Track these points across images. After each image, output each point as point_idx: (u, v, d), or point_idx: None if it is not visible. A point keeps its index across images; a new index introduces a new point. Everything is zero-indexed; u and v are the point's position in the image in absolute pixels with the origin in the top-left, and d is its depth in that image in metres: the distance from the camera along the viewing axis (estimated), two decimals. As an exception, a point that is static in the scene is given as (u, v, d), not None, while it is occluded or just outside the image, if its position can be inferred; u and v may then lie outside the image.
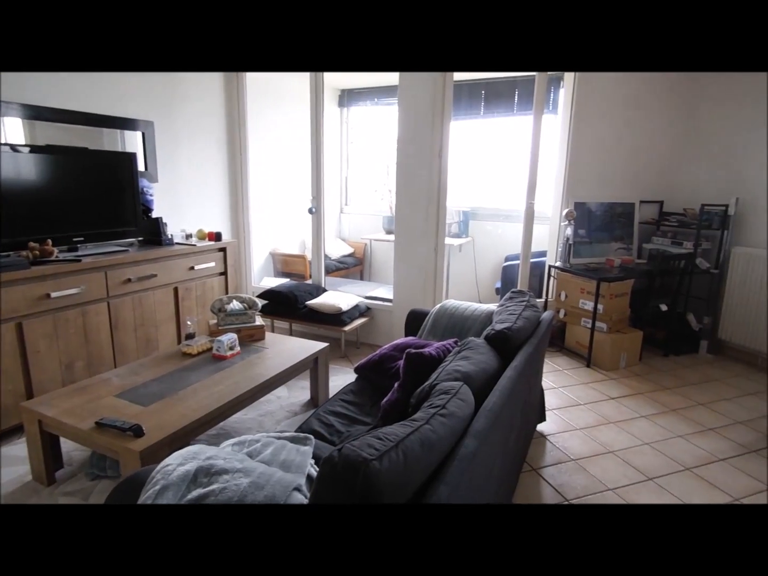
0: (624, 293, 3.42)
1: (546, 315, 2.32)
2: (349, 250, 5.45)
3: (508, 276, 4.19)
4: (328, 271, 4.91)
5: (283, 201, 4.80)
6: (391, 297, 3.69)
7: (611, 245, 3.87)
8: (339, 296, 3.63)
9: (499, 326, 1.94)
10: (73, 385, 2.12)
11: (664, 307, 3.59)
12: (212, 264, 3.35)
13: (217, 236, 3.41)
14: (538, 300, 3.88)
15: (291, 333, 3.97)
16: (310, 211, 3.85)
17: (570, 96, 3.65)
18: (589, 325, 3.43)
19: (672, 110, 3.90)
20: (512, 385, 1.56)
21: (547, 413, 2.73)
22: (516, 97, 4.58)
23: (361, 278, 5.50)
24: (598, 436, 2.51)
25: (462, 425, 1.22)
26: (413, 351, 1.79)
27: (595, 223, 3.83)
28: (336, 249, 5.36)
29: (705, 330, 3.74)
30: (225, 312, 2.72)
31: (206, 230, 3.45)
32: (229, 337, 2.50)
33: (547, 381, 3.18)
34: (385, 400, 1.88)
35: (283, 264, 4.81)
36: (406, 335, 2.71)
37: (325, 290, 3.85)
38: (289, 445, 1.48)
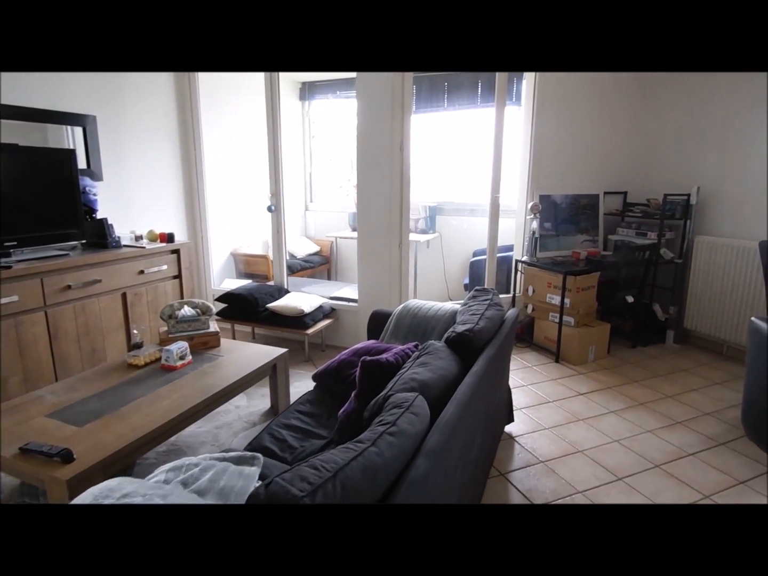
0: (591, 286, 3.39)
1: (510, 313, 2.24)
2: (314, 249, 5.30)
3: (475, 271, 4.12)
4: (293, 271, 4.75)
5: (244, 199, 4.61)
6: (356, 297, 3.57)
7: (577, 237, 3.84)
8: (302, 298, 3.48)
9: (460, 328, 1.84)
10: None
11: (630, 299, 3.57)
12: (164, 267, 3.16)
13: (169, 237, 3.22)
14: (506, 296, 3.84)
15: (253, 337, 3.81)
16: (269, 209, 3.69)
17: (532, 88, 3.59)
18: (557, 320, 3.38)
19: (633, 101, 3.88)
20: (472, 392, 1.46)
21: (516, 413, 2.66)
22: (479, 88, 4.50)
23: (328, 277, 5.36)
24: (568, 435, 2.46)
25: (414, 443, 1.11)
26: (369, 359, 1.68)
27: (561, 215, 3.79)
28: (301, 247, 5.21)
29: (671, 320, 3.75)
30: (176, 318, 2.56)
31: (158, 231, 3.26)
32: (180, 346, 2.34)
33: (515, 379, 3.12)
34: (342, 410, 1.77)
35: (245, 265, 4.63)
36: (369, 338, 2.59)
37: (287, 291, 3.70)
38: (232, 468, 1.35)
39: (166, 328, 2.58)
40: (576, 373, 3.22)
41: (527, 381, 3.10)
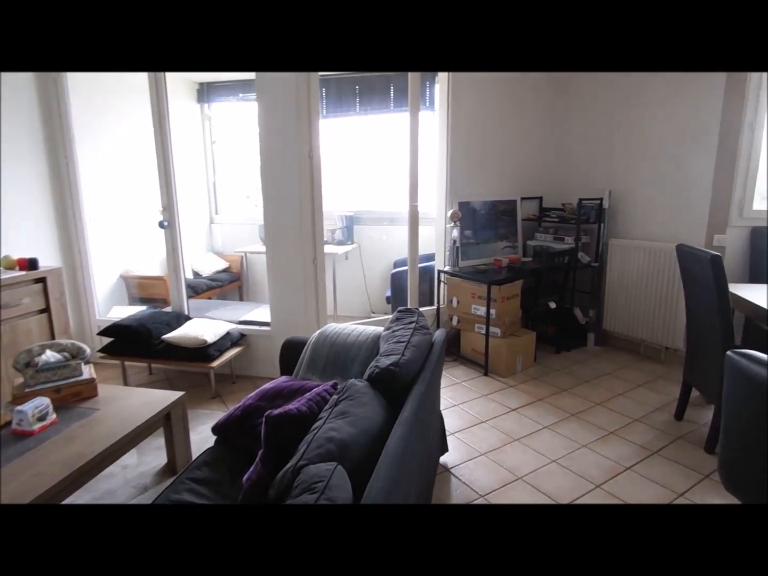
0: (515, 294, 3.30)
1: (438, 336, 2.02)
2: (222, 265, 4.83)
3: (397, 283, 3.91)
4: (198, 292, 4.26)
5: (135, 214, 4.05)
6: (269, 320, 3.20)
7: (497, 244, 3.76)
8: (205, 325, 3.05)
9: (384, 361, 1.58)
10: None
11: (553, 305, 3.54)
12: (26, 300, 2.60)
13: (31, 264, 2.66)
14: (430, 308, 3.65)
15: (150, 373, 3.31)
16: (161, 225, 3.21)
17: (445, 92, 3.45)
18: (484, 331, 3.25)
19: (546, 105, 3.89)
20: (402, 449, 1.20)
21: (449, 438, 2.45)
22: (392, 92, 4.32)
23: (240, 297, 4.90)
24: (505, 460, 2.28)
25: (330, 551, 0.82)
26: (275, 413, 1.36)
27: (480, 222, 3.69)
28: (207, 265, 4.71)
29: (591, 323, 3.77)
30: (35, 367, 2.06)
31: (16, 257, 2.69)
32: (38, 404, 1.86)
33: (445, 399, 2.92)
34: (246, 476, 1.43)
35: (139, 288, 4.07)
36: (282, 372, 2.26)
37: (188, 318, 3.25)
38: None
39: (22, 380, 2.07)
40: (506, 386, 3.10)
41: (458, 400, 2.92)
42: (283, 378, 2.01)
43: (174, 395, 2.15)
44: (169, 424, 2.15)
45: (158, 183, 3.20)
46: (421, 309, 3.66)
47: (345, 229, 4.49)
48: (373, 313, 4.66)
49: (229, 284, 4.70)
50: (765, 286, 2.61)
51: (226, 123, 4.99)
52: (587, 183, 3.79)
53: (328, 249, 4.30)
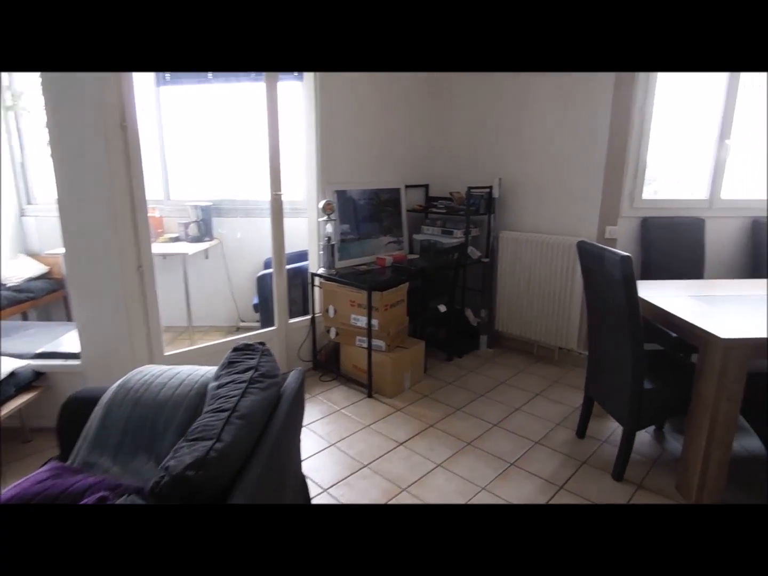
0: (400, 300, 2.82)
1: (291, 381, 1.43)
2: (39, 270, 3.76)
3: (265, 288, 3.24)
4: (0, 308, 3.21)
5: None
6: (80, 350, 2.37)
7: (381, 239, 3.26)
8: (-26, 365, 2.14)
9: (182, 459, 0.96)
10: None
11: (443, 308, 3.13)
12: None
13: None
14: (303, 318, 3.04)
15: None
16: None
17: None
18: (366, 345, 2.74)
19: (430, 85, 3.44)
20: None
21: (322, 495, 1.91)
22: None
23: (67, 312, 3.86)
24: (390, 526, 1.78)
25: None
26: None
27: (361, 214, 3.16)
28: (17, 270, 3.62)
29: (483, 324, 3.45)
30: None
31: None
32: None
33: (318, 437, 2.36)
34: None
35: None
36: (62, 450, 1.51)
37: (-47, 355, 2.29)
38: None
39: None
40: (393, 410, 2.62)
41: (335, 436, 2.37)
42: (47, 467, 1.29)
43: None
44: None
45: None
46: (294, 320, 3.07)
47: (201, 223, 3.69)
48: (243, 321, 3.95)
49: (46, 295, 3.66)
50: (659, 282, 2.41)
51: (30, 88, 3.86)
52: (476, 170, 3.43)
53: (176, 248, 3.51)
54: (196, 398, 1.46)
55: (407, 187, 3.43)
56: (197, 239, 3.70)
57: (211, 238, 3.76)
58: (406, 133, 3.41)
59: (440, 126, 3.57)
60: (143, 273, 2.31)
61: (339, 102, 2.96)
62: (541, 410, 2.61)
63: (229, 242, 3.87)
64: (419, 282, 3.10)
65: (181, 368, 1.61)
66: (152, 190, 3.67)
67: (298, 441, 1.52)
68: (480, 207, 3.23)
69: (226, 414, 1.12)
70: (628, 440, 1.97)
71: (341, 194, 3.04)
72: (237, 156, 3.84)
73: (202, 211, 3.69)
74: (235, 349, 1.45)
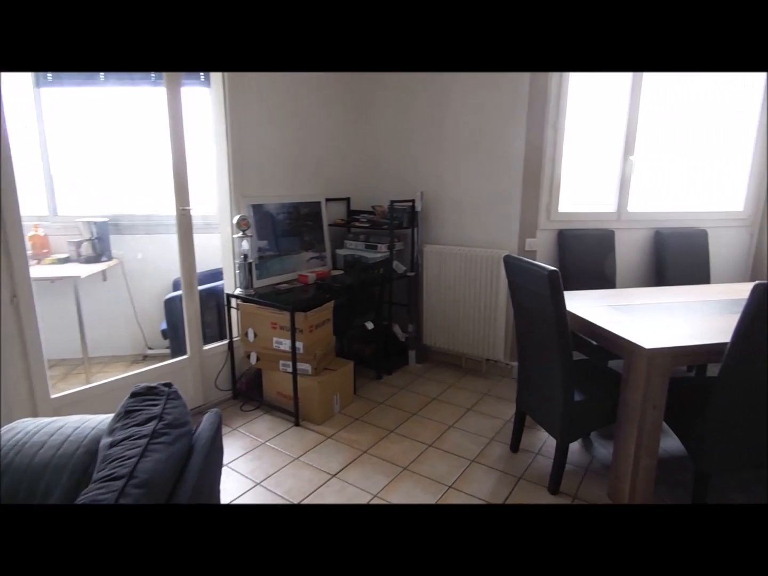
0: (326, 320, 2.67)
1: (205, 428, 1.23)
2: None
3: (174, 312, 2.93)
4: None
5: None
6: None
7: (302, 255, 3.09)
8: None
9: None
10: None
11: (370, 326, 3.02)
12: None
13: None
14: (219, 344, 2.77)
15: None
16: None
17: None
18: (290, 369, 2.55)
19: (353, 95, 3.34)
20: None
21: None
22: (150, 58, 3.27)
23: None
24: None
25: None
26: None
27: (280, 228, 2.97)
28: None
29: (411, 339, 3.38)
30: None
31: None
32: None
33: (239, 476, 2.13)
34: None
35: None
36: None
37: None
38: None
39: None
40: (323, 438, 2.45)
41: (260, 473, 2.15)
42: None
43: None
44: None
45: None
46: (209, 346, 2.79)
47: (96, 241, 3.28)
48: (151, 349, 3.57)
49: None
50: (578, 292, 2.47)
51: None
52: (398, 184, 3.38)
53: (65, 270, 3.09)
54: (85, 458, 1.21)
55: (328, 200, 3.30)
56: (92, 259, 3.28)
57: (110, 258, 3.36)
58: (325, 145, 3.28)
59: (361, 138, 3.49)
60: (19, 304, 1.95)
61: (252, 111, 2.77)
62: (474, 426, 2.57)
63: (130, 262, 3.48)
64: (345, 299, 2.96)
65: (66, 420, 1.34)
66: (33, 205, 3.21)
67: (217, 497, 1.31)
68: (403, 221, 3.18)
69: (120, 483, 0.90)
70: (561, 453, 1.97)
71: (258, 208, 2.84)
72: (137, 167, 3.48)
73: (96, 227, 3.29)
74: (134, 395, 1.22)
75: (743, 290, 2.50)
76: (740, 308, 2.14)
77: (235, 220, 2.58)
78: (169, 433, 1.10)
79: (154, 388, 1.25)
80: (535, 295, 1.89)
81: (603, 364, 2.29)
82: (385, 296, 3.17)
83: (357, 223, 3.30)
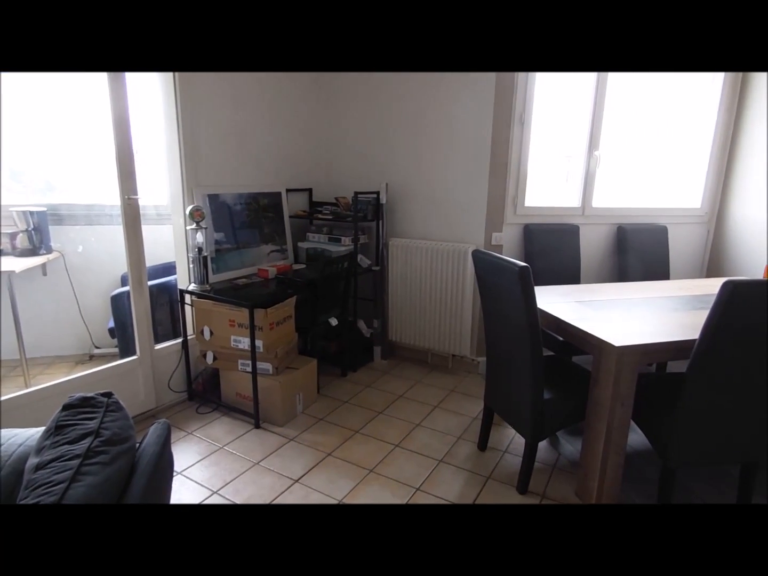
0: (287, 317, 2.54)
1: (150, 442, 1.10)
2: None
3: (122, 309, 2.73)
4: None
5: None
6: None
7: (262, 249, 2.95)
8: None
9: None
10: None
11: (334, 322, 2.91)
12: None
13: None
14: (173, 342, 2.59)
15: None
16: None
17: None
18: (250, 369, 2.41)
19: (316, 84, 3.20)
20: None
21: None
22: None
23: None
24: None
25: None
26: None
27: (238, 220, 2.81)
28: None
29: (376, 334, 3.30)
30: None
31: None
32: None
33: (195, 485, 1.99)
34: None
35: None
36: None
37: None
38: None
39: None
40: (285, 440, 2.34)
41: (217, 481, 2.02)
42: None
43: None
44: None
45: None
46: (161, 345, 2.61)
47: (33, 233, 3.02)
48: (98, 348, 3.33)
49: None
50: (545, 288, 2.45)
51: None
52: (362, 175, 3.27)
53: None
54: (11, 479, 1.06)
55: (289, 191, 3.15)
56: (29, 252, 3.02)
57: (49, 251, 3.10)
58: (287, 133, 3.13)
59: (324, 127, 3.36)
60: (-61, 301, 1.74)
61: (206, 96, 2.59)
62: (441, 424, 2.52)
63: (73, 255, 3.23)
64: (308, 294, 2.84)
65: (-11, 436, 1.17)
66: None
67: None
68: (368, 213, 3.08)
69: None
70: (530, 453, 1.94)
71: (213, 198, 2.67)
72: (77, 152, 3.21)
73: (34, 217, 3.02)
74: (66, 407, 1.08)
75: (703, 286, 2.55)
76: (704, 304, 2.17)
77: (188, 211, 2.41)
78: (107, 451, 0.97)
79: (91, 398, 1.11)
80: (505, 291, 1.84)
81: (568, 360, 2.28)
82: (349, 291, 3.07)
83: (320, 215, 3.17)
